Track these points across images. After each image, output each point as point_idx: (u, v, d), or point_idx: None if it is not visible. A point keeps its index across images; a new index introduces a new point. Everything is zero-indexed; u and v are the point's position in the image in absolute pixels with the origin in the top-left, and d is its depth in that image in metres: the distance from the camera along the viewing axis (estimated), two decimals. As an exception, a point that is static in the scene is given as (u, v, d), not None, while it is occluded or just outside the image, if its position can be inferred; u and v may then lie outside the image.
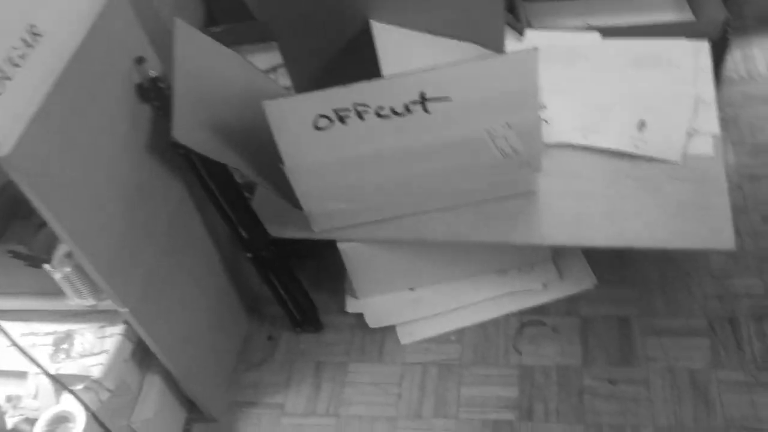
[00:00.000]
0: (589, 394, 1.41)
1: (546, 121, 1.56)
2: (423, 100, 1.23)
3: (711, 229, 1.35)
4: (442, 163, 1.36)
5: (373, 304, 1.60)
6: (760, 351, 1.41)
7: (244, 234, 1.44)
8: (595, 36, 1.70)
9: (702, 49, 1.61)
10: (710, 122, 1.50)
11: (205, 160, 1.30)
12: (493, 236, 1.43)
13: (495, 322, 1.56)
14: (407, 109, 1.24)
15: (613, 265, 1.59)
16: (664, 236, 1.35)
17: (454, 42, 1.41)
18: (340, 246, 1.46)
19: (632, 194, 1.42)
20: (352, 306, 1.61)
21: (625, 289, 1.56)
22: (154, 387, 1.39)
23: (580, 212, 1.42)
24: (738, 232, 1.58)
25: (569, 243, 1.41)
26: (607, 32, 1.70)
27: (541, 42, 1.36)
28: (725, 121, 1.81)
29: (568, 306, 1.56)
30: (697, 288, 1.53)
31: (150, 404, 1.37)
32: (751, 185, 1.68)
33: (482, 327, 1.56)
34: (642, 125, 1.51)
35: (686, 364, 1.42)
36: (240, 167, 1.34)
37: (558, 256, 1.62)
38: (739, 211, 1.63)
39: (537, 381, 1.45)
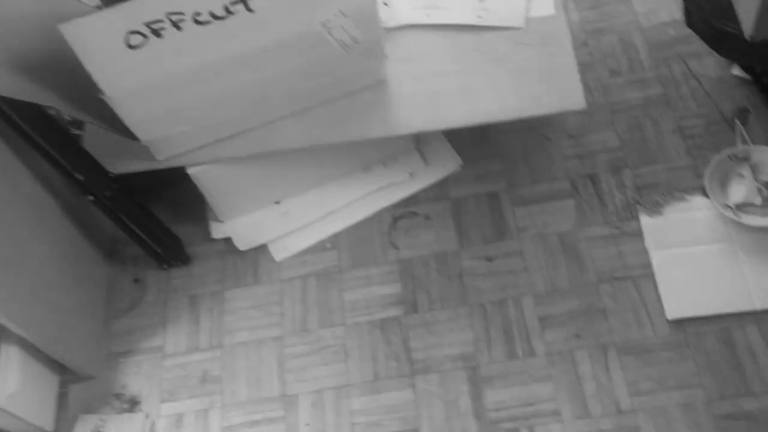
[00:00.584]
0: (469, 275, 1.42)
1: (385, 4, 1.48)
2: (243, -3, 1.11)
3: (561, 92, 1.34)
4: (279, 66, 1.25)
5: (240, 225, 1.52)
6: (620, 202, 1.45)
7: (80, 177, 1.30)
8: None
9: None
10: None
11: (16, 104, 1.14)
12: (349, 134, 1.36)
13: (368, 221, 1.52)
14: (227, 11, 1.11)
15: (475, 142, 1.58)
16: (516, 106, 1.33)
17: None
18: (190, 171, 1.35)
19: (481, 68, 1.39)
20: (217, 231, 1.52)
21: (490, 164, 1.56)
22: (12, 359, 1.27)
23: (433, 94, 1.37)
24: (588, 89, 1.61)
25: (425, 128, 1.37)
26: None
27: None
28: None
29: (437, 191, 1.54)
30: (557, 151, 1.55)
31: (12, 378, 1.25)
32: (596, 40, 1.68)
33: (356, 228, 1.52)
34: (483, -6, 1.46)
35: (555, 228, 1.45)
36: (57, 105, 1.18)
37: (421, 143, 1.58)
38: (587, 68, 1.64)
39: (417, 272, 1.44)
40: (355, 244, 1.50)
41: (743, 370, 1.24)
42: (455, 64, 1.41)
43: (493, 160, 1.56)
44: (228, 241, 1.51)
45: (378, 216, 1.53)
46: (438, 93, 1.38)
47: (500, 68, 1.39)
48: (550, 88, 1.35)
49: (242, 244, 1.50)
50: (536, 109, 1.34)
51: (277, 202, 1.54)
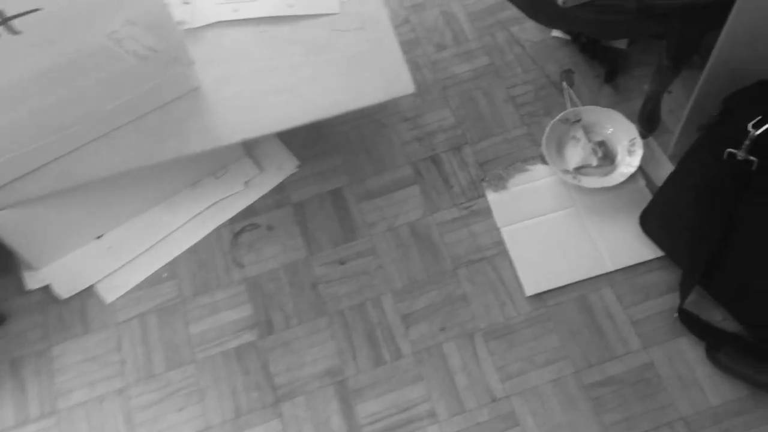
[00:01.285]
0: (323, 283, 1.33)
1: (186, 2, 1.34)
2: (4, 20, 0.94)
3: (388, 78, 1.28)
4: (71, 87, 1.09)
5: (59, 270, 1.34)
6: (465, 181, 1.42)
7: None
8: None
9: None
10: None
11: None
12: (166, 153, 1.23)
13: (206, 242, 1.39)
14: (-14, 36, 0.94)
15: (310, 138, 1.48)
16: (344, 98, 1.25)
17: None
18: (-17, 222, 1.16)
19: (302, 61, 1.29)
20: (32, 281, 1.33)
21: (329, 159, 1.47)
22: None
23: (255, 96, 1.26)
24: (417, 67, 1.55)
25: (251, 135, 1.26)
26: None
27: None
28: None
29: (277, 198, 1.43)
30: (395, 136, 1.48)
31: None
32: (417, 15, 1.63)
33: (193, 252, 1.38)
34: (291, -20, 1.35)
35: (404, 219, 1.39)
36: None
37: (251, 147, 1.46)
38: (412, 45, 1.59)
39: (267, 289, 1.33)
40: (195, 270, 1.36)
41: (604, 334, 1.24)
42: (273, 61, 1.30)
43: (331, 155, 1.47)
44: (46, 289, 1.33)
45: (216, 234, 1.40)
46: (260, 94, 1.27)
47: (321, 59, 1.29)
48: (377, 75, 1.28)
49: (64, 290, 1.32)
50: (365, 99, 1.27)
51: (99, 237, 1.37)
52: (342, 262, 1.35)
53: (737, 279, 1.18)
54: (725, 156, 1.08)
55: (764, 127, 1.02)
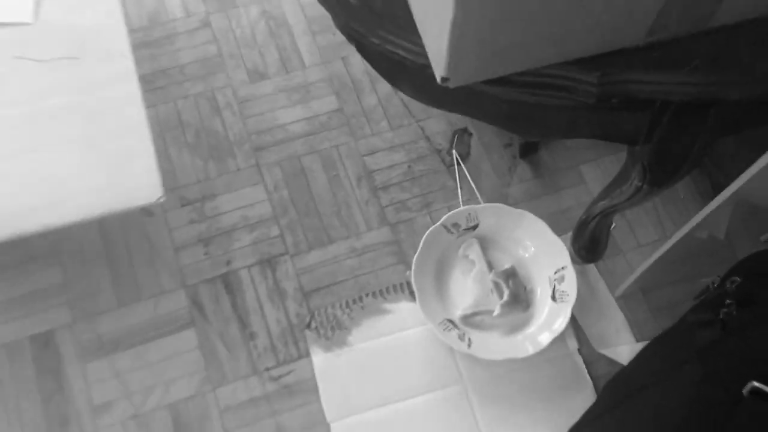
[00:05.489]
0: None
1: None
2: None
3: (119, 163, 0.65)
4: None
5: None
6: (277, 326, 0.82)
7: None
8: None
9: None
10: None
11: None
12: None
13: None
14: None
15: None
16: (45, 204, 0.62)
17: None
18: None
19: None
20: None
21: (41, 274, 0.83)
22: None
23: None
24: (215, 108, 0.94)
25: None
26: None
27: None
28: None
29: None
30: (165, 235, 0.86)
31: None
32: (224, 15, 0.98)
33: None
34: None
35: (164, 397, 0.78)
36: None
37: None
38: (212, 68, 0.95)
39: None
40: None
41: None
42: None
43: (42, 265, 0.83)
44: None
45: None
46: None
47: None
48: (94, 160, 0.65)
49: None
50: (63, 209, 0.64)
51: None
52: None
53: None
54: (747, 391, 0.54)
55: None
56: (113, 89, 0.67)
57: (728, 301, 0.57)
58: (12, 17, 0.69)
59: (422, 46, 0.51)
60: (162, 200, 0.63)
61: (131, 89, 0.67)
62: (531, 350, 0.77)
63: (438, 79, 0.48)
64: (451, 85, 0.48)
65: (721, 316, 0.58)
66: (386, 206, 0.88)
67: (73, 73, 0.67)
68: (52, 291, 0.82)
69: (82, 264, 0.83)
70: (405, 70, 0.54)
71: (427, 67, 0.52)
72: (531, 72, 0.50)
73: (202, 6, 0.98)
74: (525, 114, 0.55)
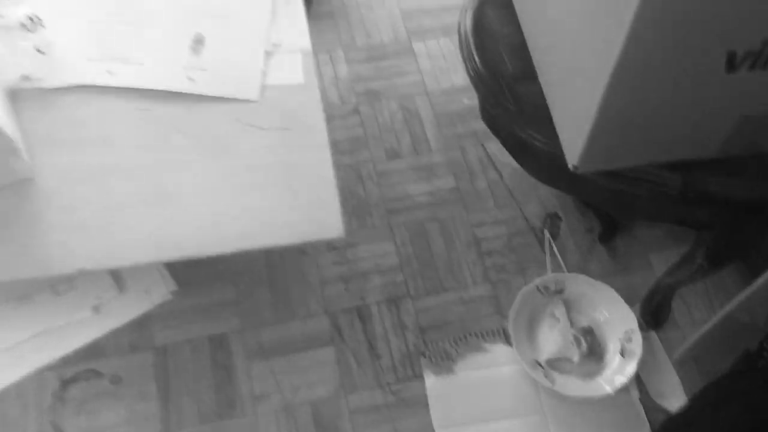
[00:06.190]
0: (172, 482, 0.92)
1: (40, 51, 0.93)
2: None
3: (311, 209, 0.89)
4: None
5: None
6: (398, 351, 1.03)
7: None
8: None
9: None
10: (298, 26, 1.01)
11: None
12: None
13: (19, 389, 0.97)
14: None
15: (197, 255, 1.07)
16: (241, 230, 0.86)
17: None
18: None
19: (190, 161, 0.89)
20: None
21: (218, 290, 1.06)
22: None
23: (113, 204, 0.86)
24: (359, 177, 1.17)
25: (101, 264, 0.85)
26: None
27: None
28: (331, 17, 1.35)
29: (134, 336, 1.02)
30: (315, 271, 1.09)
31: None
32: (370, 106, 1.25)
33: (-4, 403, 0.96)
34: (199, 43, 0.96)
35: (307, 395, 0.99)
36: None
37: (111, 257, 1.05)
38: (358, 146, 1.21)
39: (88, 482, 0.91)
40: (-10, 435, 0.93)
41: None
42: (149, 154, 0.90)
43: (222, 284, 1.07)
44: None
45: (38, 379, 0.98)
46: (124, 200, 0.87)
47: (221, 165, 0.90)
48: (295, 202, 0.89)
49: None
50: (269, 236, 0.87)
51: None
52: (207, 452, 0.94)
53: None
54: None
55: None
56: (311, 152, 0.92)
57: (766, 353, 0.77)
58: (245, 95, 0.95)
59: (552, 139, 0.74)
60: (343, 236, 0.87)
61: (324, 154, 0.92)
62: (608, 389, 0.97)
63: (570, 167, 0.71)
64: (579, 171, 0.71)
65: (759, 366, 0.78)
66: (489, 267, 1.10)
67: (284, 139, 0.93)
68: (227, 304, 1.05)
69: (251, 286, 1.07)
70: (534, 153, 0.78)
71: (553, 154, 0.75)
72: (633, 168, 0.73)
73: (353, 98, 1.25)
74: (620, 199, 0.78)
